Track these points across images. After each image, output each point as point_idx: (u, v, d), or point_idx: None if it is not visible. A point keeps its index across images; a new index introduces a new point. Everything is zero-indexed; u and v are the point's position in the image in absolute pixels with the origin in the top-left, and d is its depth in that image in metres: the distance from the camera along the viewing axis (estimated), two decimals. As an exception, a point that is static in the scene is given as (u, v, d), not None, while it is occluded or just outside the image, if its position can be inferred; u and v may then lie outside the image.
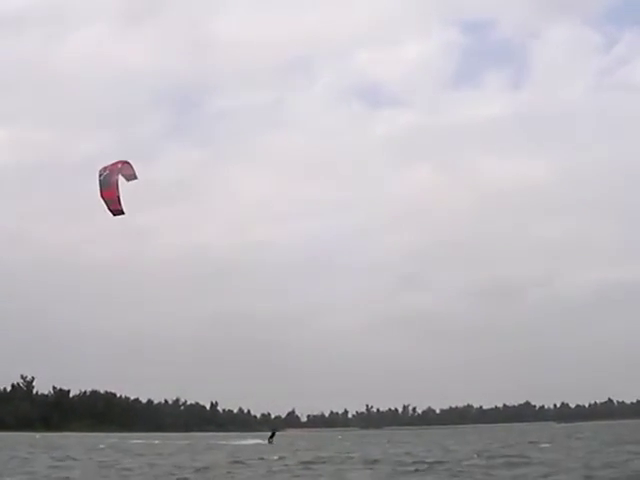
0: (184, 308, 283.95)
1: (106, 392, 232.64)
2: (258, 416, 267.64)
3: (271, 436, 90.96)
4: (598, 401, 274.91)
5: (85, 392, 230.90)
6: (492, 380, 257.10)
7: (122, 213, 24.36)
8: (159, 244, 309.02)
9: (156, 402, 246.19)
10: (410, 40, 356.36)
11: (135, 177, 25.02)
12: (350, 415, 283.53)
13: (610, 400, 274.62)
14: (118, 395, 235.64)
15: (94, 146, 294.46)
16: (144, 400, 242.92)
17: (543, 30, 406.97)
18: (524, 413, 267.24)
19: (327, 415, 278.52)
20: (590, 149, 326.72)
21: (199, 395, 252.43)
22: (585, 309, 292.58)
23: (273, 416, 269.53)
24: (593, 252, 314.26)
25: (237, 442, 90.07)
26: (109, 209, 24.17)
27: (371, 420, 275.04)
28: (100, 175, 24.10)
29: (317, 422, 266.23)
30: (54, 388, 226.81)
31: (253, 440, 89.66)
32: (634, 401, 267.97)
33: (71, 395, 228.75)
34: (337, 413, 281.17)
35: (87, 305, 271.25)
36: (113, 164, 24.42)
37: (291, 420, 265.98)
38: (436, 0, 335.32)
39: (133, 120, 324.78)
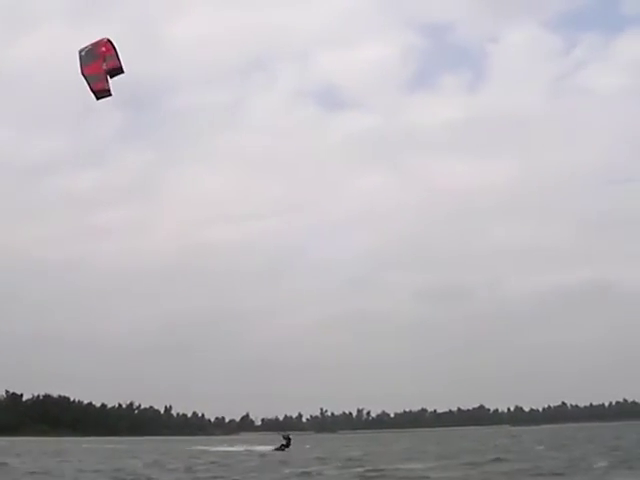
0: (137, 310, 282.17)
1: (59, 396, 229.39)
2: (212, 420, 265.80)
3: (287, 444, 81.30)
4: (552, 405, 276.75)
5: (38, 396, 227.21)
6: (446, 384, 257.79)
7: (109, 94, 19.30)
8: (112, 245, 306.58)
9: (110, 406, 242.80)
10: (369, 42, 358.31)
11: (121, 70, 19.65)
12: (304, 419, 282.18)
13: (564, 404, 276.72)
14: (72, 399, 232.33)
15: (47, 147, 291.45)
16: (98, 404, 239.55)
17: (501, 33, 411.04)
18: (479, 417, 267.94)
19: (281, 419, 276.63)
20: (546, 153, 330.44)
21: (153, 399, 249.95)
22: (537, 312, 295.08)
23: (227, 420, 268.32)
24: (545, 255, 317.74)
25: (225, 448, 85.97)
26: (92, 90, 19.15)
27: (325, 424, 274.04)
28: (81, 52, 19.00)
29: (271, 426, 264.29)
30: (7, 392, 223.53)
31: (241, 447, 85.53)
32: (587, 405, 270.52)
33: (24, 399, 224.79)
34: (291, 417, 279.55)
35: (39, 307, 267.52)
36: (96, 43, 19.26)
37: (245, 424, 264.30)
38: (395, 3, 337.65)
39: (87, 121, 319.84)
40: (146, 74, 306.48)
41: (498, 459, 44.77)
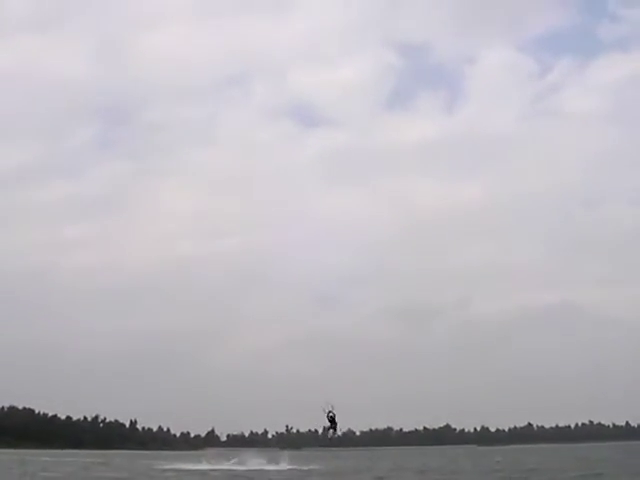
0: (104, 324, 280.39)
1: (24, 408, 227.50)
2: (178, 435, 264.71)
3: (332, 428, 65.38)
4: (518, 425, 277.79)
5: (3, 408, 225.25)
6: (412, 403, 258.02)
7: None
8: (82, 258, 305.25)
9: (75, 419, 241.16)
10: (346, 61, 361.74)
11: None
12: (270, 435, 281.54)
13: (530, 424, 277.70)
14: (37, 411, 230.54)
15: (20, 159, 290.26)
16: (63, 417, 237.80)
17: (478, 55, 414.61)
18: (445, 436, 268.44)
19: (247, 435, 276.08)
20: (518, 174, 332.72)
21: (118, 413, 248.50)
22: (504, 333, 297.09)
23: (193, 435, 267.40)
24: (513, 276, 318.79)
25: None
26: None
27: (291, 440, 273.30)
28: None
29: (237, 442, 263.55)
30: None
31: (206, 465, 79.48)
32: (553, 425, 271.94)
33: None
34: (257, 433, 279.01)
35: (2, 318, 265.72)
36: None
37: (211, 439, 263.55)
38: (373, 22, 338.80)
39: (62, 133, 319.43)
40: (120, 88, 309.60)
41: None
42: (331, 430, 65.13)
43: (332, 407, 64.61)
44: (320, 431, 64.00)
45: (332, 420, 64.73)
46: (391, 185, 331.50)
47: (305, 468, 71.75)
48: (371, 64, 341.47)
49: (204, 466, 77.45)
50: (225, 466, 77.66)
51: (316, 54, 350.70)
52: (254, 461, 78.83)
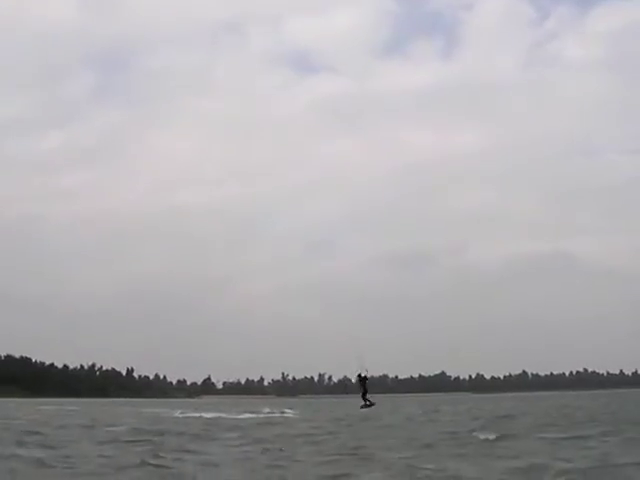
0: (101, 272, 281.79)
1: (21, 357, 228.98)
2: (174, 382, 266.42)
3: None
4: (513, 373, 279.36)
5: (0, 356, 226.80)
6: (408, 350, 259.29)
7: None
8: (79, 206, 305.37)
9: (72, 367, 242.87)
10: (342, 7, 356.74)
11: None
12: (266, 382, 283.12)
13: (525, 372, 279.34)
14: (33, 360, 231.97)
15: (14, 110, 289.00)
16: (60, 365, 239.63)
17: (475, 1, 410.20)
18: (440, 383, 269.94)
19: (243, 382, 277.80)
20: (517, 122, 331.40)
21: (115, 361, 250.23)
22: (500, 280, 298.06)
23: (189, 382, 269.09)
24: (511, 224, 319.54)
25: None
26: None
27: (287, 388, 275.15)
28: None
29: (233, 389, 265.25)
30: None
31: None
32: (547, 373, 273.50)
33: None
34: (253, 380, 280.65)
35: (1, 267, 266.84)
36: None
37: (207, 387, 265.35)
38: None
39: (57, 82, 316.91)
40: (116, 34, 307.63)
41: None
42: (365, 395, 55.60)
43: (366, 370, 54.77)
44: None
45: (364, 382, 55.13)
46: (388, 132, 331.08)
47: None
48: (368, 10, 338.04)
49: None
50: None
51: (314, 0, 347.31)
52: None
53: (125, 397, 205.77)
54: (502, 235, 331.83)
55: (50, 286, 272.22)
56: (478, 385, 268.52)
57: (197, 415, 64.70)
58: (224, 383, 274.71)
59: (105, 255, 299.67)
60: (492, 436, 30.88)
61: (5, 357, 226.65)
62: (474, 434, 32.91)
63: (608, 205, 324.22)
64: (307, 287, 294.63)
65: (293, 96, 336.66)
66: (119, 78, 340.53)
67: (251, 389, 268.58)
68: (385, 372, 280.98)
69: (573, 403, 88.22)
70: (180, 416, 64.41)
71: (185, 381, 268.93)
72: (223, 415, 64.65)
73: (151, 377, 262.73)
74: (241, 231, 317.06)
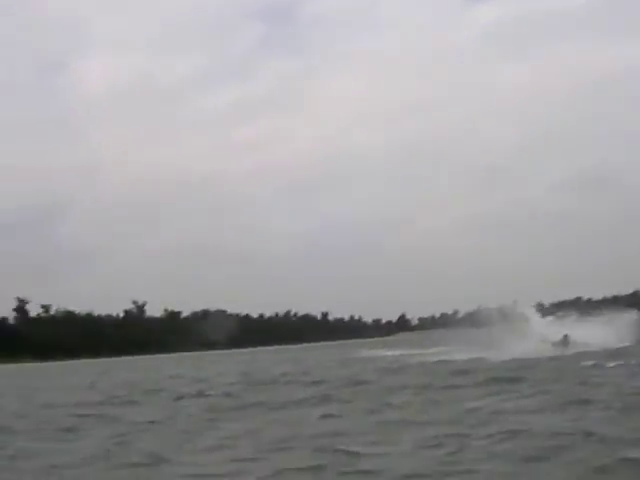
0: (290, 224, 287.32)
1: (217, 310, 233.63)
2: (369, 322, 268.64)
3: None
4: None
5: (197, 313, 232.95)
6: (599, 270, 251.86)
7: None
8: (258, 159, 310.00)
9: (267, 316, 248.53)
10: None
11: None
12: (460, 315, 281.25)
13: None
14: (228, 312, 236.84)
15: (185, 69, 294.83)
16: (255, 315, 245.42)
17: None
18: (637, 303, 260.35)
19: (437, 317, 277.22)
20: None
21: (310, 307, 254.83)
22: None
23: (384, 321, 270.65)
24: None
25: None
26: None
27: (481, 319, 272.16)
28: None
29: (428, 324, 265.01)
30: (165, 310, 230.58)
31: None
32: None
33: (182, 316, 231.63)
34: (447, 314, 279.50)
35: (190, 226, 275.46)
36: None
37: (402, 324, 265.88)
38: None
39: (224, 37, 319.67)
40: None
41: None
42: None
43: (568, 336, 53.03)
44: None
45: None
46: (560, 53, 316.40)
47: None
48: None
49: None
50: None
51: None
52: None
53: (320, 341, 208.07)
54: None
55: (242, 241, 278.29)
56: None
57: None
58: (419, 319, 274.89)
59: (291, 206, 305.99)
60: None
61: (202, 311, 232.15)
62: None
63: None
64: (490, 216, 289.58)
65: (460, 25, 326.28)
66: (286, 27, 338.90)
67: (446, 322, 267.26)
68: (578, 294, 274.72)
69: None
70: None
71: (380, 320, 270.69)
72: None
73: (346, 319, 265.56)
74: (421, 166, 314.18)
